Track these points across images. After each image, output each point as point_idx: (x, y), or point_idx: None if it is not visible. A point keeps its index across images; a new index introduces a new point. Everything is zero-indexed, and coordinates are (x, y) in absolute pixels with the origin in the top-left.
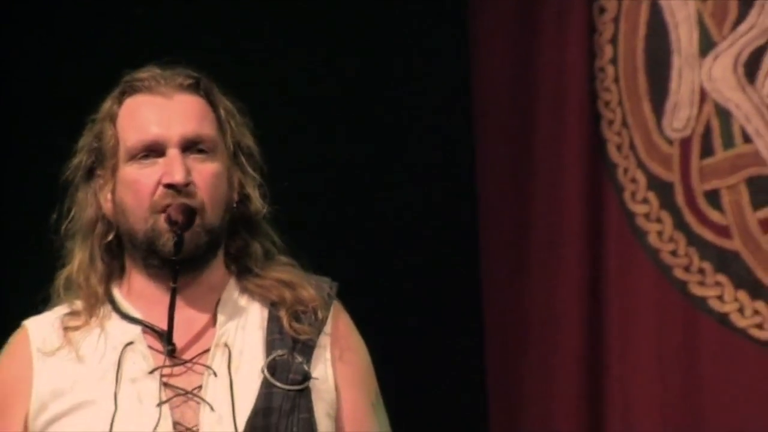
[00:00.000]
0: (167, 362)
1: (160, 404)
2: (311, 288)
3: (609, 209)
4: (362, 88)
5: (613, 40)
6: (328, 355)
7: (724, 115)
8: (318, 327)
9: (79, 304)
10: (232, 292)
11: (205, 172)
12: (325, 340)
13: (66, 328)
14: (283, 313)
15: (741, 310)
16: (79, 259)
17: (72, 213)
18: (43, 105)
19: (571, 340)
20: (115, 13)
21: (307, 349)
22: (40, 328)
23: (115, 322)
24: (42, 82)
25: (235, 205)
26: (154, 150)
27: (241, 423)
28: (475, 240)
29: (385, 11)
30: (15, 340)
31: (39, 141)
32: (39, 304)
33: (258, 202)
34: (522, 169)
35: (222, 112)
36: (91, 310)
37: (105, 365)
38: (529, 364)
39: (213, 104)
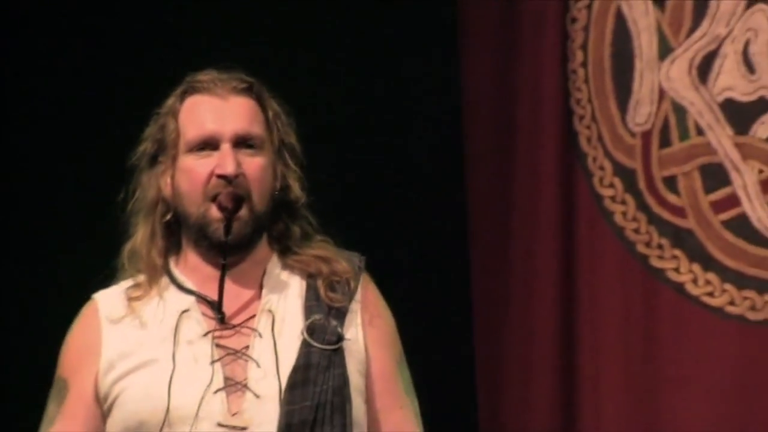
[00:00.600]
0: (218, 327)
1: (213, 362)
2: (344, 261)
3: (580, 193)
4: (362, 88)
5: (584, 46)
6: (359, 319)
7: (679, 111)
8: (350, 295)
9: (141, 277)
10: (275, 267)
11: (253, 165)
12: (356, 307)
13: (130, 299)
14: (319, 284)
15: (695, 281)
16: (141, 233)
17: (137, 193)
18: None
19: (547, 306)
20: (115, 17)
21: (341, 314)
22: (107, 300)
23: (172, 292)
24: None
25: (277, 193)
26: (209, 144)
27: (284, 377)
28: (464, 223)
29: (384, 16)
30: (86, 311)
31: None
32: (105, 278)
33: (297, 192)
34: (505, 158)
35: (270, 113)
36: (151, 280)
37: (164, 329)
38: (510, 332)
39: (263, 106)
